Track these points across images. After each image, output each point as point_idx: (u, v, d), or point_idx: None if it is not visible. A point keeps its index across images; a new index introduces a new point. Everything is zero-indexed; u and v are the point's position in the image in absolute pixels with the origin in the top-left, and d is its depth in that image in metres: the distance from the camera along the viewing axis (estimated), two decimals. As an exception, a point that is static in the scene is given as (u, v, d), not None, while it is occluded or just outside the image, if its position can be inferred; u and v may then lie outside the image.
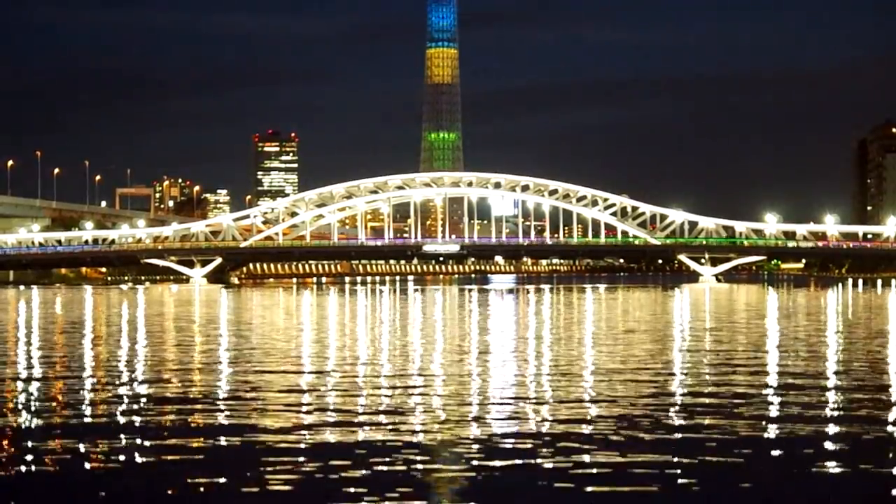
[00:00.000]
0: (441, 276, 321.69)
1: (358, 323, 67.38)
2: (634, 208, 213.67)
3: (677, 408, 26.89)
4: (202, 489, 18.36)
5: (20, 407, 27.68)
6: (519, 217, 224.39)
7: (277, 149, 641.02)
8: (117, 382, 33.05)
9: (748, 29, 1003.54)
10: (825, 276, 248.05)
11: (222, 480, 18.89)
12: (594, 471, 19.33)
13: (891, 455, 21.19)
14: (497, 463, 20.15)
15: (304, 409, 26.96)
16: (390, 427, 23.95)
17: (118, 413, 26.50)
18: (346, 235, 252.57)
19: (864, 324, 64.13)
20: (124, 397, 29.40)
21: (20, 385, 32.42)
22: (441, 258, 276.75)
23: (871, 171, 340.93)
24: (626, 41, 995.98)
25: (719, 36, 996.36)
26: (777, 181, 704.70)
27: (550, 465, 19.85)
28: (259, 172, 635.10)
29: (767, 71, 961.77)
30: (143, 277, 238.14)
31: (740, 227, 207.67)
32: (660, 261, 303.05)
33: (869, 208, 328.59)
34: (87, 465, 20.27)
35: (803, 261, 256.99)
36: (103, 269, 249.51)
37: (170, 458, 20.71)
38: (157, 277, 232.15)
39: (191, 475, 19.19)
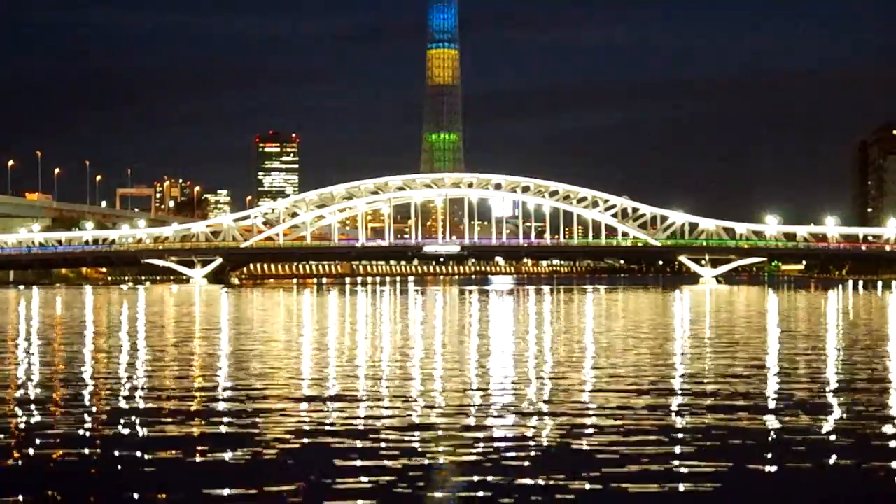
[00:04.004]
0: (441, 277, 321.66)
1: (358, 323, 67.34)
2: (635, 209, 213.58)
3: (677, 410, 26.89)
4: (202, 489, 18.32)
5: (18, 408, 27.67)
6: (519, 218, 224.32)
7: (278, 149, 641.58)
8: (116, 383, 33.03)
9: (748, 30, 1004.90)
10: (826, 278, 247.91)
11: (222, 480, 18.86)
12: (594, 472, 19.32)
13: (892, 456, 21.19)
14: (498, 463, 20.13)
15: (304, 408, 26.95)
16: (391, 428, 23.93)
17: (117, 414, 26.47)
18: (346, 236, 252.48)
19: (864, 326, 64.09)
20: (123, 398, 29.38)
21: (19, 386, 32.39)
22: (441, 259, 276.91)
23: (871, 173, 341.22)
24: (627, 43, 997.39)
25: (720, 37, 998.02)
26: (778, 183, 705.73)
27: (551, 467, 19.83)
28: (260, 173, 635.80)
29: (768, 72, 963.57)
30: (143, 277, 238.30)
31: (741, 228, 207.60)
32: (660, 262, 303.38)
33: (869, 210, 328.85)
34: (86, 466, 20.26)
35: (804, 262, 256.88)
36: (104, 270, 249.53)
37: (169, 460, 20.70)
38: (158, 278, 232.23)
39: (190, 474, 19.17)
